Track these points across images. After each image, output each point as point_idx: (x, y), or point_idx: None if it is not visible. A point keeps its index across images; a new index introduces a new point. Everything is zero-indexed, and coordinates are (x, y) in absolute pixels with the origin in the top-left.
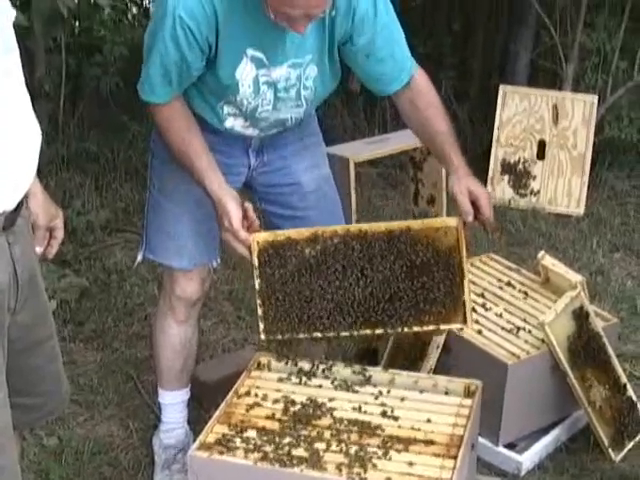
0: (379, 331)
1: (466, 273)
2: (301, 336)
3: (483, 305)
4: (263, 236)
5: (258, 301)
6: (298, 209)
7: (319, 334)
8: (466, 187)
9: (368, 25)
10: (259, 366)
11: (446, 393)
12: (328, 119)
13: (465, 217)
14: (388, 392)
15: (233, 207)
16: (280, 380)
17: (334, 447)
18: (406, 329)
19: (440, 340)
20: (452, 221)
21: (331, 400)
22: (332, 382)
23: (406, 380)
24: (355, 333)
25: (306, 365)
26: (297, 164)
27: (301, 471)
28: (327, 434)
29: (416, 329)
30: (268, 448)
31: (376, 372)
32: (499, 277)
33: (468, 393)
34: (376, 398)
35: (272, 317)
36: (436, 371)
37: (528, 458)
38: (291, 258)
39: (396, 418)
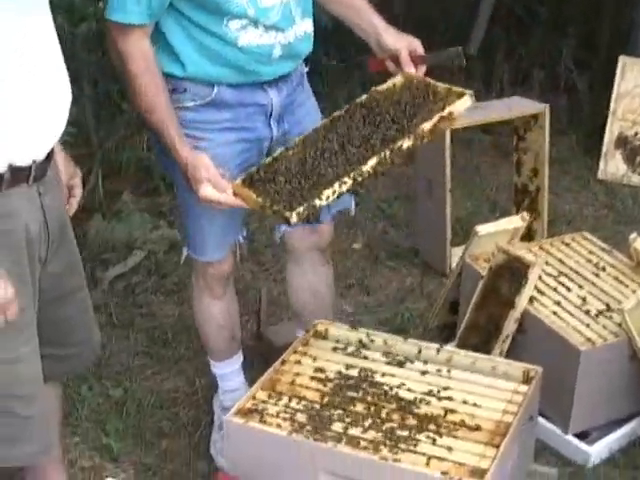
0: (398, 143)
1: (432, 80)
2: (325, 194)
3: (564, 284)
4: (241, 177)
5: (273, 206)
6: None
7: (338, 183)
8: (406, 42)
9: None
10: (316, 333)
11: (502, 377)
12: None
13: (408, 69)
14: (445, 371)
15: (207, 158)
16: (334, 349)
17: (374, 424)
18: (420, 128)
19: (515, 321)
20: (398, 77)
21: (382, 375)
22: (387, 356)
23: (464, 360)
24: (376, 159)
25: (364, 336)
26: (310, 126)
27: (335, 446)
28: (371, 410)
29: (427, 125)
30: (306, 420)
31: (435, 349)
32: (589, 258)
33: (527, 379)
34: (426, 376)
35: (288, 204)
36: (509, 351)
37: (597, 450)
38: (276, 169)
39: (445, 399)
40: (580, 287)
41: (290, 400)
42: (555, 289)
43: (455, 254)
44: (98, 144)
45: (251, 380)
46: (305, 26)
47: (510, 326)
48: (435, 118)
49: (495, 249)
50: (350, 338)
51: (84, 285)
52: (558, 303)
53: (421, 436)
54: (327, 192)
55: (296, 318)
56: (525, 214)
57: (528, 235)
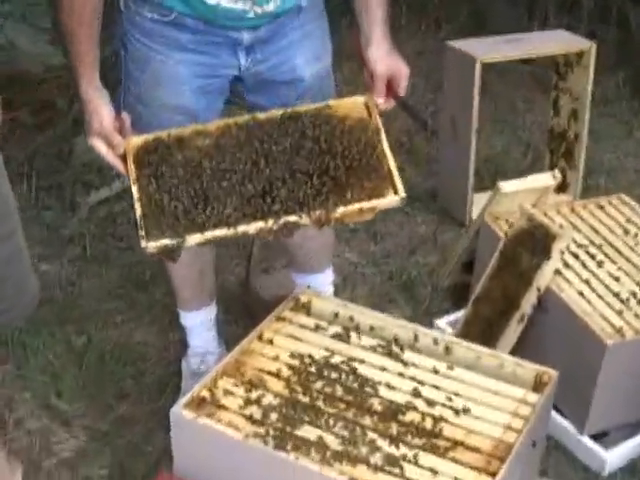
0: (290, 218)
1: (385, 142)
2: (192, 238)
3: (594, 257)
4: (140, 139)
5: (137, 207)
6: (291, 105)
7: (216, 231)
8: (388, 64)
9: None
10: (297, 306)
11: (509, 379)
12: (482, 5)
13: (377, 96)
14: (443, 369)
15: (106, 108)
16: (316, 329)
17: (350, 433)
18: (324, 211)
19: (532, 303)
20: (360, 99)
21: (368, 367)
22: (377, 343)
23: (466, 354)
24: (262, 225)
25: (354, 315)
26: (298, 57)
27: (297, 459)
28: (349, 413)
29: (339, 211)
30: (269, 420)
31: (432, 338)
32: (626, 227)
33: (538, 383)
34: (419, 372)
35: (154, 221)
36: (525, 329)
37: (616, 455)
38: (173, 157)
39: (438, 404)
40: (613, 262)
41: (254, 391)
42: (584, 264)
43: (478, 202)
44: None
45: (233, 337)
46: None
47: (527, 306)
48: (354, 207)
49: (518, 210)
50: (336, 315)
51: (16, 230)
52: (586, 281)
53: (402, 453)
54: (196, 237)
55: (289, 264)
56: (557, 172)
57: (561, 186)
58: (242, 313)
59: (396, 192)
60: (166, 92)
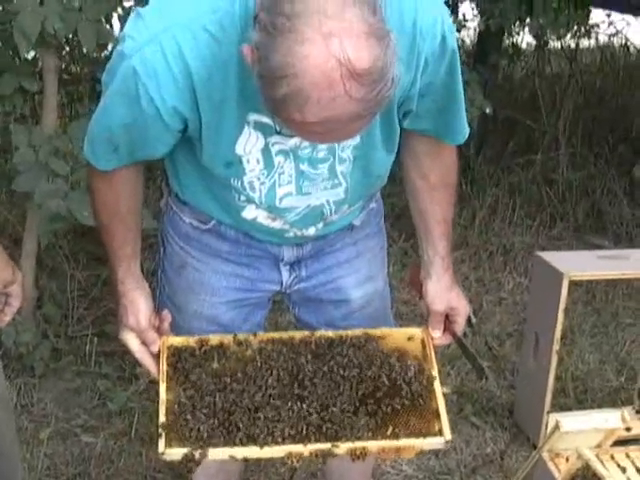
0: (322, 446)
1: (436, 380)
2: (215, 452)
3: None
4: (178, 339)
5: (162, 410)
6: (339, 327)
7: (238, 449)
8: (446, 302)
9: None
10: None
11: None
12: (601, 203)
13: (432, 333)
14: None
15: (143, 302)
16: None
17: None
18: (362, 444)
19: None
20: (414, 330)
21: None
22: None
23: None
24: (293, 448)
25: None
26: (347, 277)
27: None
28: None
29: (376, 445)
30: None
31: None
32: None
33: None
34: None
35: (177, 428)
36: None
37: None
38: (209, 365)
39: None
40: None
41: None
42: None
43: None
44: None
45: None
46: (352, 208)
47: None
48: (392, 443)
49: (576, 452)
50: None
51: None
52: None
53: None
54: (219, 452)
55: None
56: (626, 412)
57: None
58: None
59: (441, 433)
60: (199, 301)
